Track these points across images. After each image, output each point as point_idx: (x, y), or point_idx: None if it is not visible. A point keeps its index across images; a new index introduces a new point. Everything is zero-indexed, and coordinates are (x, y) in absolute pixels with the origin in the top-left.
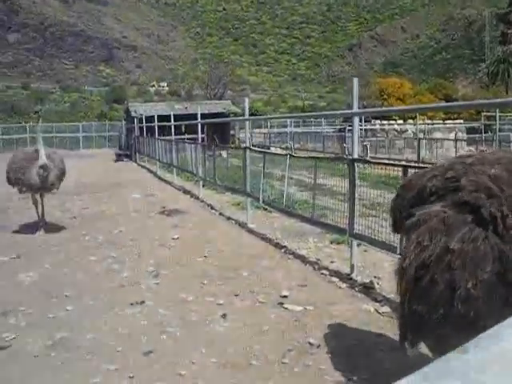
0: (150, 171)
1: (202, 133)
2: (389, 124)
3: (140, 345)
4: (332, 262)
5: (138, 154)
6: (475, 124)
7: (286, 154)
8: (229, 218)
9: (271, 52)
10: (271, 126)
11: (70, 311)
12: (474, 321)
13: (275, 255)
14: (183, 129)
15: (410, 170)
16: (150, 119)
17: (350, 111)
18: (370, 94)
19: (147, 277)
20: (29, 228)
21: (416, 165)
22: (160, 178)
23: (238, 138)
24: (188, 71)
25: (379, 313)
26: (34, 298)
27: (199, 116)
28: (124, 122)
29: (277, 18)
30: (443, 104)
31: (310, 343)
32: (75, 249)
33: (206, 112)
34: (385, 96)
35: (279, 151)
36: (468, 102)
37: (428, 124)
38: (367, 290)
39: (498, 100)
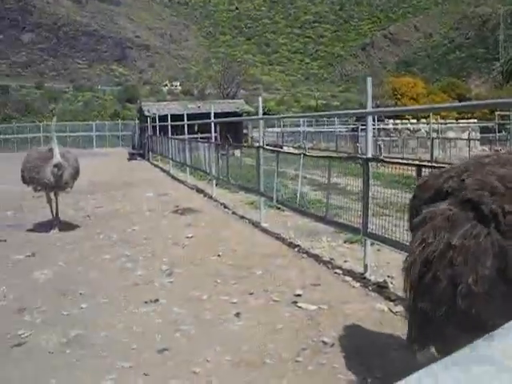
0: (163, 170)
1: (215, 132)
2: (402, 123)
3: (154, 343)
4: (345, 261)
5: (151, 153)
6: (489, 123)
7: (300, 154)
8: (242, 217)
9: (284, 51)
10: (284, 126)
11: (85, 309)
12: (476, 318)
13: (288, 254)
14: (196, 128)
15: (424, 170)
16: (163, 118)
17: (363, 110)
18: (383, 94)
19: (161, 275)
20: (43, 226)
21: (430, 164)
22: (173, 177)
23: (252, 137)
24: (201, 70)
25: (393, 312)
26: (48, 296)
27: (212, 115)
28: (137, 122)
29: (290, 17)
30: (457, 104)
31: (323, 342)
32: (89, 247)
33: (219, 111)
34: (398, 95)
35: (292, 150)
36: (482, 102)
37: (441, 123)
38: (381, 289)
39: None
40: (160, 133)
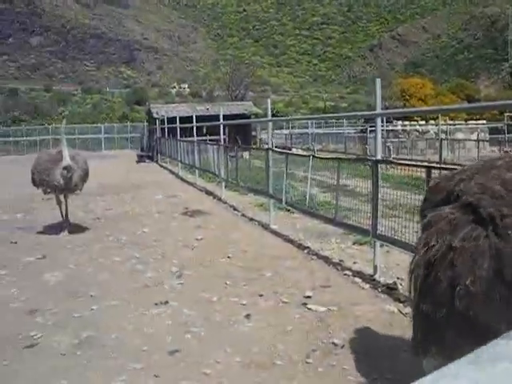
0: (172, 172)
1: (224, 134)
2: (410, 125)
3: (165, 344)
4: (355, 263)
5: (159, 155)
6: (498, 124)
7: (309, 155)
8: (251, 219)
9: (292, 53)
10: (292, 127)
11: (95, 311)
12: (474, 319)
13: (298, 256)
14: (205, 130)
15: (433, 171)
16: (171, 120)
17: (373, 112)
18: (391, 95)
19: (171, 277)
20: (53, 229)
21: (440, 166)
22: (182, 179)
23: (260, 139)
24: (209, 72)
25: (402, 313)
26: (59, 298)
27: (221, 117)
28: (146, 124)
29: (297, 18)
30: (466, 105)
31: (333, 343)
32: (99, 249)
33: (228, 113)
34: (406, 96)
35: (300, 152)
36: (491, 103)
37: (450, 125)
38: (390, 290)
39: None
40: (169, 135)
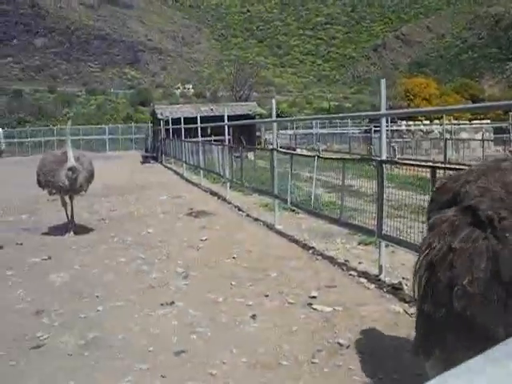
0: (177, 173)
1: (229, 134)
2: (415, 125)
3: (171, 345)
4: (360, 263)
5: (164, 156)
6: (503, 124)
7: (314, 156)
8: (256, 220)
9: (296, 53)
10: (297, 127)
11: (101, 311)
12: (471, 321)
13: (303, 256)
14: (209, 131)
15: (438, 172)
16: (176, 121)
17: (378, 112)
18: (395, 95)
19: (176, 278)
20: (58, 230)
21: (445, 166)
22: (187, 180)
23: (265, 140)
24: (213, 73)
25: (408, 314)
26: (65, 299)
27: (226, 118)
28: (150, 125)
29: (301, 18)
30: (471, 105)
31: (339, 344)
32: (104, 250)
33: (232, 114)
34: (410, 96)
35: (305, 152)
36: (497, 103)
37: (454, 124)
38: (396, 291)
39: None
40: (173, 136)
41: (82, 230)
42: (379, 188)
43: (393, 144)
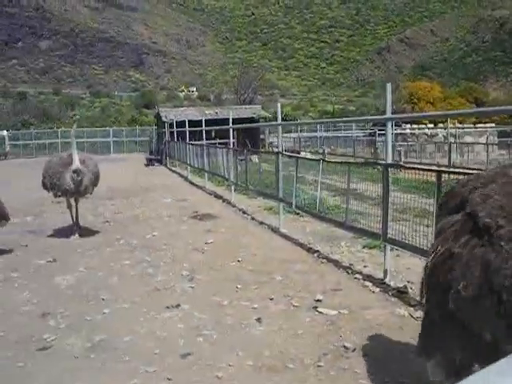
0: (181, 176)
1: (233, 137)
2: (419, 128)
3: (177, 347)
4: (365, 267)
5: (168, 159)
6: (507, 127)
7: (319, 160)
8: (261, 223)
9: (300, 56)
10: (301, 131)
11: (107, 314)
12: (464, 324)
13: (308, 259)
14: (213, 134)
15: (443, 176)
16: (180, 124)
17: (383, 116)
18: (399, 98)
19: (182, 281)
20: (63, 232)
21: (451, 170)
22: (191, 183)
23: (271, 143)
24: (217, 76)
25: (413, 317)
26: (71, 301)
27: (231, 121)
28: (154, 127)
29: (305, 22)
30: (478, 109)
31: (345, 347)
32: (109, 253)
33: (237, 117)
34: (415, 100)
35: (309, 156)
36: (502, 108)
37: (459, 128)
38: (401, 294)
39: None
40: (177, 138)
41: (86, 232)
42: (384, 192)
43: (399, 148)
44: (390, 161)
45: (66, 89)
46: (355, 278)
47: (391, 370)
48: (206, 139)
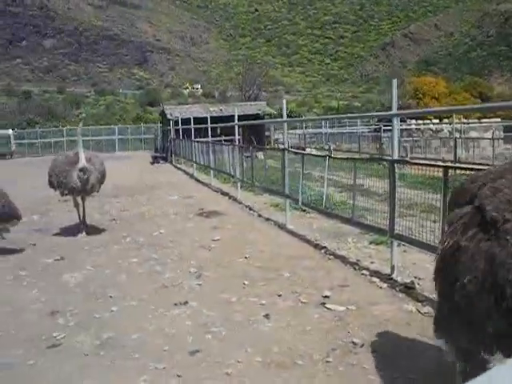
0: (187, 173)
1: (239, 134)
2: (424, 124)
3: (186, 344)
4: (372, 263)
5: (174, 156)
6: None
7: (325, 156)
8: (267, 220)
9: (304, 52)
10: (306, 127)
11: (115, 312)
12: (467, 315)
13: (315, 256)
14: (219, 131)
15: (450, 171)
16: (185, 121)
17: (389, 112)
18: (404, 94)
19: (189, 278)
20: (70, 230)
21: (458, 165)
22: (197, 180)
23: (276, 139)
24: (221, 73)
25: (421, 313)
26: (79, 299)
27: (236, 118)
28: (160, 125)
29: (309, 18)
30: (484, 105)
31: (353, 343)
32: (117, 251)
33: (242, 113)
34: (419, 95)
35: (314, 152)
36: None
37: (464, 123)
38: (408, 290)
39: None
40: (183, 136)
41: (93, 230)
42: (391, 188)
43: (405, 144)
44: (396, 157)
45: (71, 87)
46: (362, 273)
47: (399, 366)
48: (212, 136)
